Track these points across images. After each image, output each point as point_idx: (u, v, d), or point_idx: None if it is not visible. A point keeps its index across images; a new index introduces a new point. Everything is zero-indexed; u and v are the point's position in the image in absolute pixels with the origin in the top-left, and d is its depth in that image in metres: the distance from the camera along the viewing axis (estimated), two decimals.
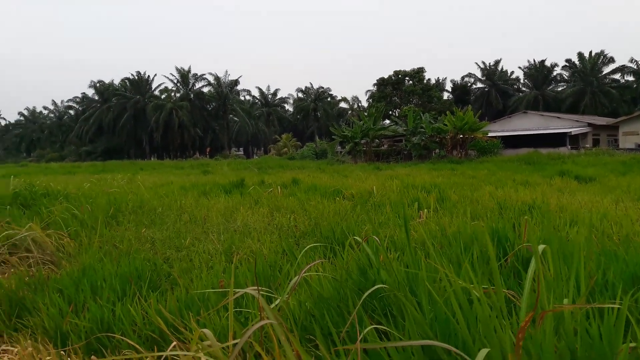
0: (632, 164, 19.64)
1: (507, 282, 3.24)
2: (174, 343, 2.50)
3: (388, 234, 5.04)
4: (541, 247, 2.29)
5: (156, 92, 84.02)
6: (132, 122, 78.38)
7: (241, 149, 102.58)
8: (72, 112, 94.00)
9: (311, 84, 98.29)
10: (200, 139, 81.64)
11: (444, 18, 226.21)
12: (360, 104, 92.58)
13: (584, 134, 46.53)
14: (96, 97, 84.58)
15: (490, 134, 40.15)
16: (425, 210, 6.77)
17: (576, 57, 73.99)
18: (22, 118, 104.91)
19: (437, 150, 38.56)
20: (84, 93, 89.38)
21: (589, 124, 47.28)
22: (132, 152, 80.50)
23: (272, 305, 2.35)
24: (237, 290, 2.60)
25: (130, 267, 4.23)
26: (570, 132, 44.92)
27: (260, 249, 4.95)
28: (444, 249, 4.00)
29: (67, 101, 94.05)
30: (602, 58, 71.91)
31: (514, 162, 26.20)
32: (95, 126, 79.45)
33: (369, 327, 1.94)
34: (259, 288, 2.15)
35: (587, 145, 43.79)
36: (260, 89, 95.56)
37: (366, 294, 2.09)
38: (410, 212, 7.03)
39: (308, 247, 3.25)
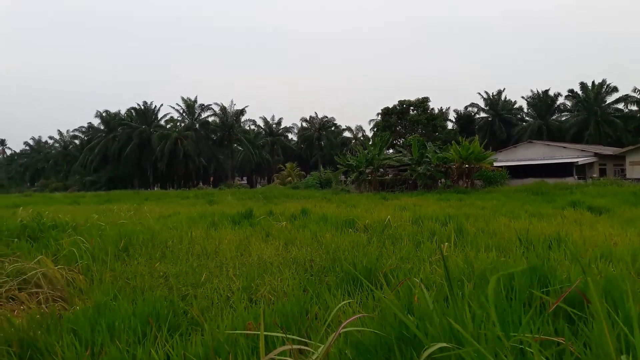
0: None
1: (554, 324, 3.05)
2: None
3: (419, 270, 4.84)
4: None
5: (162, 122, 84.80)
6: (137, 152, 78.72)
7: (245, 178, 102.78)
8: (77, 141, 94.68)
9: (316, 113, 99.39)
10: (204, 168, 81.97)
11: (445, 48, 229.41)
12: (364, 133, 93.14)
13: (591, 164, 46.30)
14: (102, 127, 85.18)
15: (495, 164, 39.92)
16: (446, 243, 6.57)
17: (578, 87, 74.40)
18: (27, 148, 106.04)
19: (442, 180, 38.27)
20: (89, 123, 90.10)
21: (595, 154, 47.04)
22: (136, 181, 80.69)
23: (316, 356, 2.16)
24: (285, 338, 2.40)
25: (148, 306, 4.04)
26: (577, 161, 44.64)
27: (282, 286, 4.75)
28: (478, 289, 3.80)
29: (73, 131, 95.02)
30: (605, 88, 72.12)
31: (522, 193, 25.98)
32: (100, 156, 79.78)
33: None
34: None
35: (595, 175, 43.48)
36: (264, 119, 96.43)
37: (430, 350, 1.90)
38: (430, 245, 6.84)
39: (341, 304, 3.04)
